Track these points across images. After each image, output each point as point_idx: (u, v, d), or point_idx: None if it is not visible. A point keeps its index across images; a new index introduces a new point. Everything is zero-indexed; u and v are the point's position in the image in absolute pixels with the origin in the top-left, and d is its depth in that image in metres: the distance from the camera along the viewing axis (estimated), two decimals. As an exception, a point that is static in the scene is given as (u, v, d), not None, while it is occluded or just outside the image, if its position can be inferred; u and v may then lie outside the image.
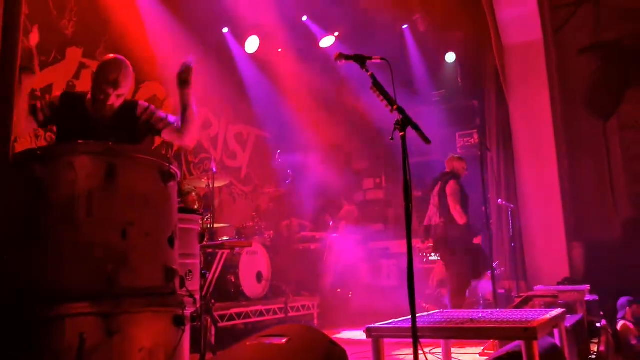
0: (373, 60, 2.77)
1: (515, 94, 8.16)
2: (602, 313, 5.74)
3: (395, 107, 2.56)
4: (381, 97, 2.65)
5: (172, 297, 2.15)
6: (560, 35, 8.86)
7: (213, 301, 5.00)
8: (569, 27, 8.92)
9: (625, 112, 9.36)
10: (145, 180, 2.12)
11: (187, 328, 2.20)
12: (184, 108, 3.21)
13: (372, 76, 2.67)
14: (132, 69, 3.15)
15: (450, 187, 6.03)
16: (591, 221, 8.35)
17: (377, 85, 2.65)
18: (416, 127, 2.53)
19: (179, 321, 2.11)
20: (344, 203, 9.05)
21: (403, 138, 2.51)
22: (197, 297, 4.05)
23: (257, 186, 9.54)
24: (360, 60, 2.75)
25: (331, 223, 8.20)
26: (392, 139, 2.54)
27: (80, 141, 2.10)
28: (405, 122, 2.52)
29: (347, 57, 2.76)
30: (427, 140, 2.57)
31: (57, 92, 6.24)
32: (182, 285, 2.28)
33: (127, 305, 1.95)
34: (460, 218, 5.94)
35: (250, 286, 6.04)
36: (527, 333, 2.23)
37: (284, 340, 1.87)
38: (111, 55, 3.18)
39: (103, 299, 1.91)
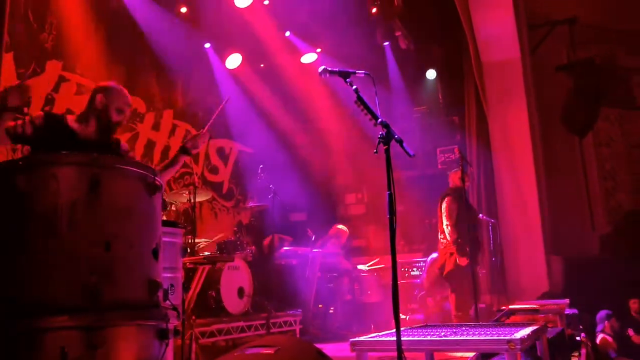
0: (357, 75, 2.81)
1: (494, 110, 8.30)
2: (581, 327, 5.81)
3: (379, 121, 2.59)
4: (365, 111, 2.68)
5: (155, 310, 2.12)
6: (537, 54, 9.06)
7: (194, 317, 4.93)
8: (546, 46, 9.13)
9: (600, 130, 9.60)
10: (129, 191, 2.10)
11: (170, 342, 2.17)
12: (172, 164, 3.25)
13: (356, 91, 2.70)
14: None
15: (445, 204, 6.08)
16: (569, 236, 8.48)
17: (360, 100, 2.68)
18: (399, 141, 2.56)
19: (162, 335, 2.08)
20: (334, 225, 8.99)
21: (387, 152, 2.54)
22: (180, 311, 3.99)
23: (239, 201, 9.49)
24: (344, 74, 2.79)
25: (313, 237, 8.17)
26: (376, 152, 2.57)
27: (63, 152, 2.08)
28: (388, 136, 2.54)
29: (332, 72, 2.79)
30: (409, 154, 2.60)
31: (35, 105, 6.11)
32: (166, 298, 2.25)
33: (110, 318, 1.91)
34: (450, 235, 5.98)
35: (231, 302, 5.97)
36: (510, 346, 2.26)
37: (272, 351, 1.85)
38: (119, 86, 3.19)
39: (85, 312, 1.87)
